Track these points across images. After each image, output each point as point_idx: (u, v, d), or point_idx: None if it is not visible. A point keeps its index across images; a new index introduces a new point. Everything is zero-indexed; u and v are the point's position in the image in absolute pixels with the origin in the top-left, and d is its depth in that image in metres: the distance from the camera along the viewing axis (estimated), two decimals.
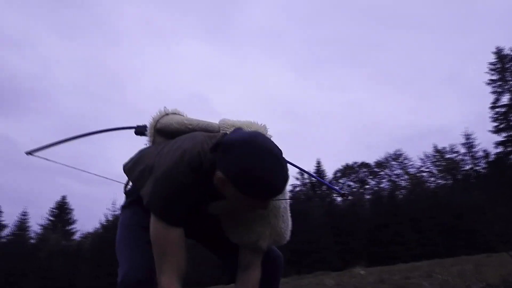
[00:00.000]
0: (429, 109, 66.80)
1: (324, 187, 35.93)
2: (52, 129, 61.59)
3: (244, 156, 1.16)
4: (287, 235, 1.50)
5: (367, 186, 39.73)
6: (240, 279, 1.48)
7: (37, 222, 39.50)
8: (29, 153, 1.70)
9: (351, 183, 40.58)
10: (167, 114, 1.63)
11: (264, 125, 1.50)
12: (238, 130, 1.36)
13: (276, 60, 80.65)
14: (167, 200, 1.30)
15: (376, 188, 37.77)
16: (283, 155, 1.23)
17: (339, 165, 45.97)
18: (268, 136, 1.43)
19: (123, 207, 1.63)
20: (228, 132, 1.42)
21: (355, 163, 41.02)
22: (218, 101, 70.70)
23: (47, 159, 1.71)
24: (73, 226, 35.18)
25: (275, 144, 1.26)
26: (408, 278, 9.21)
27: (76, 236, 35.34)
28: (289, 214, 1.52)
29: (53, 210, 34.53)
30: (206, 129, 1.52)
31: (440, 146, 37.15)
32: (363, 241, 28.29)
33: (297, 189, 36.33)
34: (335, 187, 1.56)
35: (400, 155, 39.52)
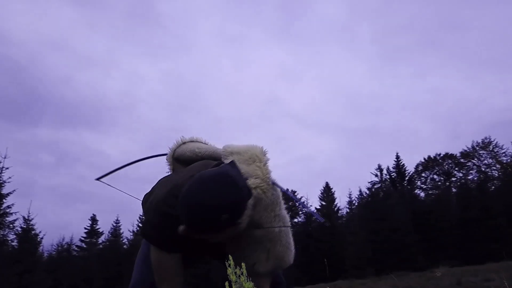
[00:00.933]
0: None
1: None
2: (141, 141, 66.24)
3: (184, 196, 1.23)
4: (289, 258, 1.53)
5: (453, 179, 36.96)
6: None
7: (128, 229, 42.81)
8: (98, 179, 1.86)
9: (435, 177, 38.07)
10: (184, 143, 1.75)
11: (261, 149, 1.53)
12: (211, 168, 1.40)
13: (351, 55, 77.96)
14: (157, 229, 1.43)
15: (463, 180, 34.94)
16: (225, 196, 1.22)
17: (421, 158, 43.23)
18: (265, 159, 1.49)
19: None
20: (225, 160, 1.50)
21: (438, 154, 38.41)
22: (295, 102, 69.96)
23: (110, 185, 1.87)
24: None
25: (228, 180, 1.25)
26: (489, 280, 8.42)
27: None
28: (290, 238, 1.55)
29: (141, 217, 37.19)
30: (212, 156, 1.64)
31: None
32: (451, 239, 26.31)
33: (376, 186, 34.86)
34: (316, 213, 1.53)
35: (490, 142, 36.20)
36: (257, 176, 1.38)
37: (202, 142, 1.75)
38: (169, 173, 1.77)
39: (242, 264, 0.96)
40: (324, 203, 32.25)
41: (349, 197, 33.21)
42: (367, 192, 34.21)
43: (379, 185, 34.83)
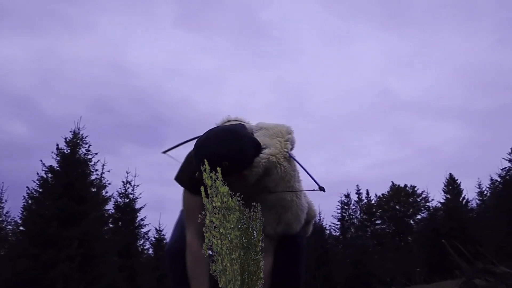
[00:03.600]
0: None
1: None
2: None
3: (195, 145, 1.51)
4: (296, 226, 1.69)
5: None
6: None
7: None
8: (164, 152, 2.02)
9: None
10: (228, 121, 1.86)
11: (288, 127, 1.71)
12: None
13: (471, 27, 67.92)
14: (188, 172, 1.68)
15: None
16: (225, 146, 1.44)
17: None
18: (288, 137, 1.67)
19: None
20: (254, 133, 1.72)
21: None
22: (409, 91, 62.80)
23: (173, 158, 1.98)
24: None
25: (232, 134, 1.49)
26: None
27: None
28: (301, 208, 1.70)
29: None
30: None
31: None
32: None
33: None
34: (314, 180, 1.58)
35: None
36: (276, 148, 1.59)
37: (245, 122, 1.87)
38: None
39: (218, 168, 1.01)
40: (448, 196, 29.69)
41: (479, 188, 29.92)
42: (500, 180, 30.43)
43: None
